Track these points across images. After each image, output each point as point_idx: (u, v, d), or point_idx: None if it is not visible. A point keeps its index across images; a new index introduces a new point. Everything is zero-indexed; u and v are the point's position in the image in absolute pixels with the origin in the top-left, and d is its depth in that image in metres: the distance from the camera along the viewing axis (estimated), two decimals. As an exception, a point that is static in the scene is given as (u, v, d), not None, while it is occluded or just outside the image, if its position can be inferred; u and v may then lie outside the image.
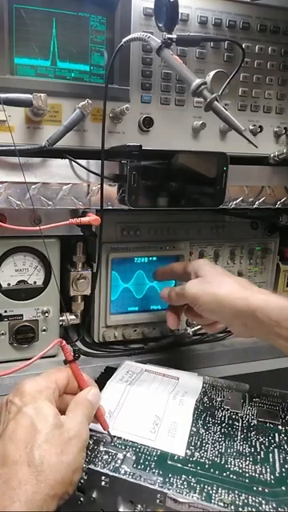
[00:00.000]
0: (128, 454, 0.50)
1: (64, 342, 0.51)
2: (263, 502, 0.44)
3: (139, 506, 0.46)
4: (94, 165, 0.65)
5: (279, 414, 0.60)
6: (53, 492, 0.40)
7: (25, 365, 0.49)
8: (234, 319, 0.60)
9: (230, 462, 0.50)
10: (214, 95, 0.54)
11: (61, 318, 0.76)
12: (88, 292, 0.76)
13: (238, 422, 0.58)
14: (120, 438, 0.53)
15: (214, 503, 0.44)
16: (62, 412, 0.48)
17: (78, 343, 0.80)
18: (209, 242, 0.85)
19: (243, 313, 0.57)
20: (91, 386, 0.52)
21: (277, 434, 0.56)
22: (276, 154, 0.75)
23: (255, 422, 0.58)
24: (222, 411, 0.60)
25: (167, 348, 0.80)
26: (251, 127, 0.74)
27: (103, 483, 0.47)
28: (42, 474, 0.40)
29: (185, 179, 0.68)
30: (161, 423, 0.56)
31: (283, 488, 0.47)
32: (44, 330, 0.73)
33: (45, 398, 0.47)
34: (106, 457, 0.50)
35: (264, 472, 0.49)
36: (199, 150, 0.72)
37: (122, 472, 0.47)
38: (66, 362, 0.51)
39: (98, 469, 0.48)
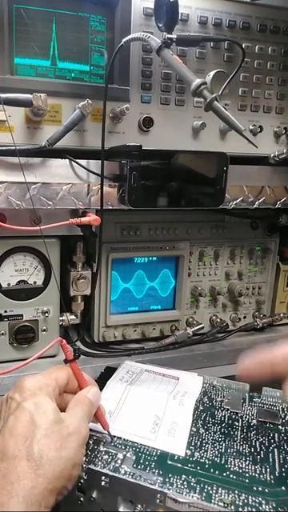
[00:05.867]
0: (128, 454, 0.50)
1: (64, 341, 0.51)
2: (263, 502, 0.44)
3: (139, 506, 0.46)
4: (94, 165, 0.65)
5: (279, 414, 0.60)
6: (51, 486, 0.40)
7: (24, 363, 0.49)
8: None
9: (230, 461, 0.50)
10: (213, 95, 0.54)
11: (61, 318, 0.76)
12: (88, 292, 0.76)
13: (238, 422, 0.58)
14: (120, 437, 0.53)
15: (214, 503, 0.44)
16: (62, 410, 0.48)
17: (78, 343, 0.80)
18: (209, 242, 0.85)
19: None
20: (91, 385, 0.52)
21: (277, 434, 0.56)
22: (276, 153, 0.75)
23: (255, 422, 0.58)
24: (221, 411, 0.60)
25: (167, 348, 0.80)
26: (251, 127, 0.74)
27: (103, 483, 0.47)
28: (40, 468, 0.40)
29: (185, 179, 0.68)
30: (161, 423, 0.56)
31: (283, 488, 0.47)
32: (44, 330, 0.73)
33: (45, 394, 0.47)
34: (106, 457, 0.50)
35: (264, 472, 0.49)
36: (199, 150, 0.72)
37: (122, 472, 0.47)
38: (66, 361, 0.52)
39: (98, 469, 0.48)
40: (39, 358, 0.50)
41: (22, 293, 0.71)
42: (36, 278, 0.72)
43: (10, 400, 0.47)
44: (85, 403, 0.49)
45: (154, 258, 0.81)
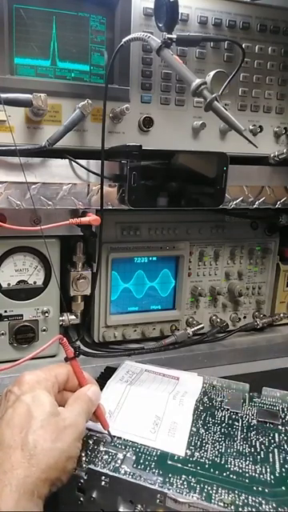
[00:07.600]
0: (128, 454, 0.50)
1: (64, 338, 0.51)
2: (263, 502, 0.44)
3: (139, 506, 0.46)
4: (94, 165, 0.65)
5: (279, 414, 0.60)
6: (44, 476, 0.40)
7: (22, 361, 0.50)
8: None
9: (230, 461, 0.50)
10: (213, 95, 0.54)
11: (61, 318, 0.76)
12: (88, 292, 0.76)
13: (238, 422, 0.58)
14: (120, 437, 0.53)
15: (214, 503, 0.44)
16: None
17: (78, 343, 0.80)
18: (209, 242, 0.85)
19: None
20: (91, 383, 0.52)
21: (277, 434, 0.56)
22: (276, 153, 0.75)
23: (255, 422, 0.58)
24: (221, 411, 0.60)
25: (167, 348, 0.80)
26: (251, 127, 0.74)
27: (103, 483, 0.47)
28: (34, 458, 0.40)
29: (185, 179, 0.68)
30: (161, 423, 0.56)
31: (283, 488, 0.47)
32: (44, 330, 0.73)
33: (43, 388, 0.47)
34: (106, 457, 0.50)
35: (264, 472, 0.49)
36: (199, 150, 0.72)
37: (122, 472, 0.47)
38: (66, 359, 0.52)
39: (98, 469, 0.48)
40: (39, 357, 0.50)
41: (22, 293, 0.71)
42: (36, 277, 0.72)
43: (9, 393, 0.48)
44: (84, 400, 0.49)
45: (154, 258, 0.81)
